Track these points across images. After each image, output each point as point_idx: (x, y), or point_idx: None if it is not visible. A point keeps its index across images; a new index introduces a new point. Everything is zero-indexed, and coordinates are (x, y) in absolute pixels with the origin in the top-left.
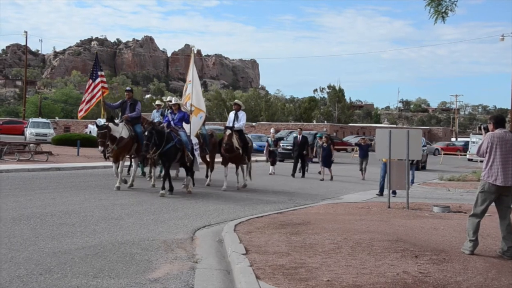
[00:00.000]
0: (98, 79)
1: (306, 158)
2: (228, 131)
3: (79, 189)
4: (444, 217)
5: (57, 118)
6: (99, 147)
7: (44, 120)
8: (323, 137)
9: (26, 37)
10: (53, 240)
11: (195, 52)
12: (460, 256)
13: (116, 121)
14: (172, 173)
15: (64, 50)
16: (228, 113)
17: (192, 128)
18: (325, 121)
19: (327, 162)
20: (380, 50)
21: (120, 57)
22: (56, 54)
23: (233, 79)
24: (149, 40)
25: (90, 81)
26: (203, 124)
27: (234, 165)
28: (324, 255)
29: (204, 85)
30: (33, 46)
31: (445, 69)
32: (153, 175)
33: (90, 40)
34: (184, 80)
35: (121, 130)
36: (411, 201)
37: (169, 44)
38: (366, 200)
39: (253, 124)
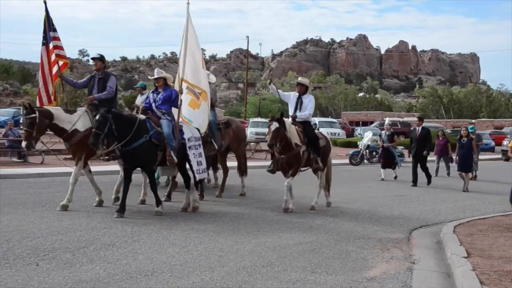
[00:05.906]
0: (51, 45)
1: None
2: (275, 124)
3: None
4: None
5: None
6: (23, 141)
7: (263, 119)
8: (462, 130)
9: (248, 42)
10: (273, 235)
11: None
12: None
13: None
14: (163, 179)
15: (281, 52)
16: (444, 111)
17: (201, 120)
18: None
19: (465, 164)
20: None
21: (333, 56)
22: (274, 56)
23: (450, 75)
24: (362, 39)
25: (43, 49)
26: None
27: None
28: None
29: (419, 82)
30: (253, 50)
31: None
32: (144, 184)
33: (305, 41)
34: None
35: (75, 119)
36: None
37: (382, 42)
38: None
39: (473, 121)
